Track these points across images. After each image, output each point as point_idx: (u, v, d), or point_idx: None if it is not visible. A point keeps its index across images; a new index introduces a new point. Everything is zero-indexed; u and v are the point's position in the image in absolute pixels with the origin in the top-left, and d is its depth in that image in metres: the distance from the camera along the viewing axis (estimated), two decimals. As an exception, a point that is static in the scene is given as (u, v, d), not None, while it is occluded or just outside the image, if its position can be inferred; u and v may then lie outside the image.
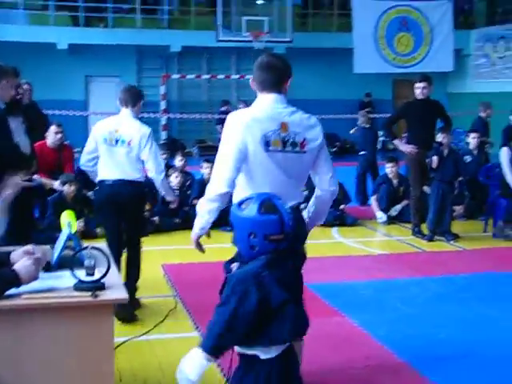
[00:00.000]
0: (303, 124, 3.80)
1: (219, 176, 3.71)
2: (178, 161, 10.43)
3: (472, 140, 10.76)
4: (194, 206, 9.37)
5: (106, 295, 3.27)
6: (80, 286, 3.31)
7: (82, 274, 3.34)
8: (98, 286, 3.31)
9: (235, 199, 3.80)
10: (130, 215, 6.12)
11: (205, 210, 3.76)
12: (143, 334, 5.46)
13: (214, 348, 2.98)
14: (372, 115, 21.28)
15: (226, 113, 19.47)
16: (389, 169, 10.43)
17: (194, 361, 2.99)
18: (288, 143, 3.74)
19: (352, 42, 20.82)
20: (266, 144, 3.69)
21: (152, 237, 8.66)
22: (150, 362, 5.00)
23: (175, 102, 22.39)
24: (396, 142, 9.40)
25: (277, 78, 3.81)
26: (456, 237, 9.09)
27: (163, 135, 21.16)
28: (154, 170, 6.08)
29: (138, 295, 6.25)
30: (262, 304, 2.94)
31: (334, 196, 4.00)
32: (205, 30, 20.90)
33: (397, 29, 21.63)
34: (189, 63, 22.38)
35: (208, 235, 3.92)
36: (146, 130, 6.08)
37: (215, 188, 3.71)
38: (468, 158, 10.70)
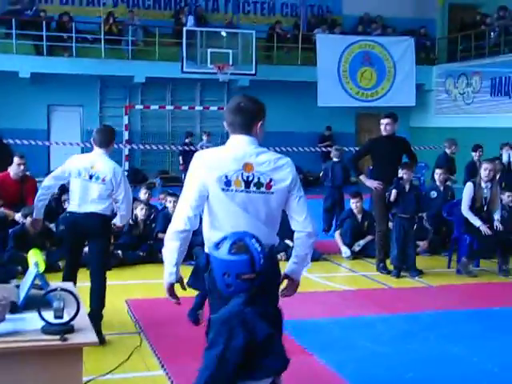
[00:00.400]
0: (270, 165, 3.76)
1: (179, 214, 3.73)
2: (143, 194, 10.35)
3: (437, 176, 10.86)
4: (158, 240, 9.43)
5: (75, 338, 3.20)
6: (48, 328, 3.23)
7: (50, 315, 3.26)
8: (66, 329, 3.23)
9: (204, 239, 3.81)
10: (94, 246, 6.42)
11: (167, 250, 3.75)
12: (108, 373, 5.34)
13: None
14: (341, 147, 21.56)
15: (190, 144, 19.54)
16: (353, 204, 10.45)
17: None
18: (252, 183, 3.71)
19: (316, 75, 21.04)
20: (226, 184, 3.68)
21: (115, 271, 8.52)
22: (115, 403, 4.89)
23: (138, 132, 22.33)
24: (362, 177, 9.44)
25: (246, 120, 3.80)
26: (420, 273, 9.13)
27: (125, 165, 21.05)
28: (125, 208, 6.52)
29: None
30: (249, 341, 3.00)
31: (311, 237, 3.90)
32: (169, 61, 20.91)
33: (360, 63, 21.93)
34: (152, 94, 22.36)
35: (183, 287, 3.86)
36: (119, 169, 6.48)
37: (174, 226, 3.72)
38: (434, 194, 10.81)
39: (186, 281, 3.93)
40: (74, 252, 6.55)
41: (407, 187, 9.06)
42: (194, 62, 20.66)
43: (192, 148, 18.84)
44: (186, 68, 20.55)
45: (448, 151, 12.21)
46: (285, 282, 4.02)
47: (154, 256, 9.35)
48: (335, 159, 12.83)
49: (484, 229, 8.97)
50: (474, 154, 12.31)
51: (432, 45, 24.33)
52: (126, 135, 21.36)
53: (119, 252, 9.31)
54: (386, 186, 9.04)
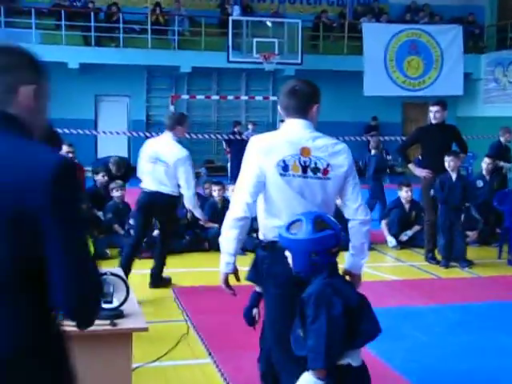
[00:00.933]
0: (328, 150, 3.69)
1: (236, 201, 3.65)
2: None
3: (485, 165, 10.61)
4: (204, 228, 9.43)
5: (124, 323, 3.19)
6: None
7: (100, 300, 3.25)
8: (116, 314, 3.23)
9: (260, 226, 3.75)
10: (161, 219, 7.65)
11: (224, 239, 3.68)
12: (155, 360, 5.35)
13: (328, 362, 3.00)
14: (379, 138, 21.54)
15: (239, 134, 19.48)
16: (405, 193, 10.25)
17: None
18: (309, 168, 3.64)
19: (362, 64, 20.82)
20: (284, 169, 3.61)
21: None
22: (163, 390, 4.89)
23: (184, 122, 22.34)
24: (411, 166, 9.31)
25: (301, 103, 3.74)
26: (470, 263, 8.96)
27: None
28: (184, 186, 7.24)
29: (148, 319, 6.15)
30: (346, 306, 3.03)
31: (365, 226, 3.80)
32: (215, 51, 20.91)
33: (407, 52, 21.62)
34: (198, 84, 22.39)
35: (237, 278, 3.79)
36: (181, 153, 7.21)
37: (232, 213, 3.64)
38: (480, 183, 10.60)
39: (244, 273, 3.88)
40: (142, 227, 7.49)
41: (454, 176, 8.88)
42: (240, 52, 20.62)
43: (237, 137, 18.84)
44: (232, 57, 20.52)
45: (502, 139, 11.94)
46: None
47: (200, 244, 9.38)
48: (375, 151, 13.05)
49: None
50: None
51: (480, 33, 23.86)
52: (172, 125, 21.41)
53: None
54: (436, 174, 8.89)
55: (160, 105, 21.69)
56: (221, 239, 3.70)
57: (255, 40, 20.38)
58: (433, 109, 9.12)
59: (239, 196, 3.64)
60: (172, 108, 21.40)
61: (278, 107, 3.87)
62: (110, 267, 6.24)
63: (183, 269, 8.63)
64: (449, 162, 8.82)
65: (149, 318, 6.11)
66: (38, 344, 1.92)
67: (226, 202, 9.91)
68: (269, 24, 21.56)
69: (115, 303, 3.25)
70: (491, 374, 5.29)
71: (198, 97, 21.76)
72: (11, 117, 1.97)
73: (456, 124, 19.33)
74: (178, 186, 7.26)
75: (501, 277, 8.55)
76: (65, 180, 1.90)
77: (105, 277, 3.31)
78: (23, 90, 1.99)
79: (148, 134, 21.30)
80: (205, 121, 22.46)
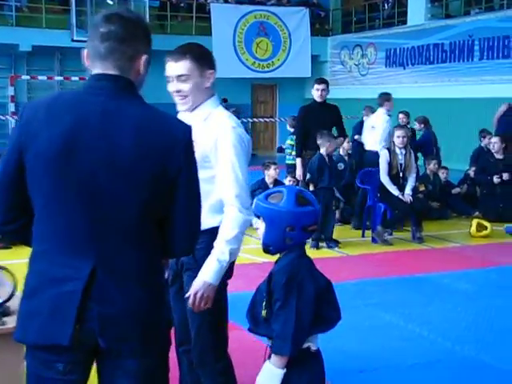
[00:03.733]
0: None
1: (248, 201, 3.32)
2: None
3: (348, 145, 10.62)
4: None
5: (13, 322, 2.73)
6: (-20, 312, 2.75)
7: (-20, 297, 2.79)
8: (3, 312, 2.77)
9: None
10: None
11: (239, 245, 3.30)
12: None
13: (294, 349, 2.82)
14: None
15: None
16: (273, 171, 10.02)
17: (272, 375, 2.81)
18: None
19: (211, 45, 20.58)
20: None
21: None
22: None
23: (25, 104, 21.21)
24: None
25: None
26: (338, 243, 8.94)
27: (13, 139, 20.06)
28: None
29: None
30: (317, 291, 2.86)
31: None
32: (57, 29, 19.96)
33: (255, 34, 21.70)
34: (40, 64, 21.30)
35: None
36: None
37: (245, 215, 3.29)
38: (341, 166, 10.57)
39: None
40: None
41: (327, 159, 8.84)
42: (85, 31, 19.76)
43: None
44: (77, 36, 19.68)
45: (366, 119, 12.06)
46: None
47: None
48: None
49: (407, 198, 8.89)
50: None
51: (326, 16, 24.31)
52: (11, 107, 20.28)
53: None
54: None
55: (-3, 85, 20.51)
56: (236, 245, 3.25)
57: (100, 18, 19.59)
58: (319, 87, 8.96)
59: (246, 194, 3.31)
60: (12, 89, 20.30)
61: (210, 75, 3.41)
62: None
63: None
64: (327, 146, 8.74)
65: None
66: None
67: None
68: (110, 2, 20.81)
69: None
70: (376, 353, 5.22)
71: (40, 77, 20.71)
72: (132, 83, 2.29)
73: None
74: None
75: (369, 254, 8.62)
76: (192, 142, 2.31)
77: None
78: (140, 59, 2.30)
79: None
80: (48, 102, 21.45)
